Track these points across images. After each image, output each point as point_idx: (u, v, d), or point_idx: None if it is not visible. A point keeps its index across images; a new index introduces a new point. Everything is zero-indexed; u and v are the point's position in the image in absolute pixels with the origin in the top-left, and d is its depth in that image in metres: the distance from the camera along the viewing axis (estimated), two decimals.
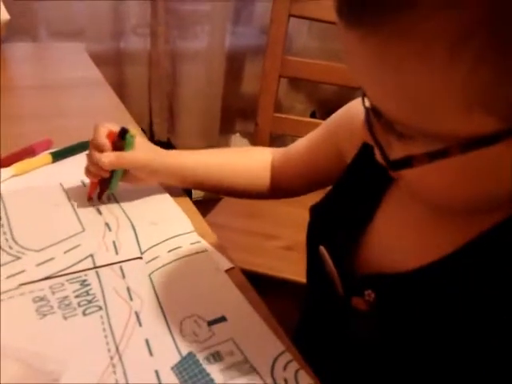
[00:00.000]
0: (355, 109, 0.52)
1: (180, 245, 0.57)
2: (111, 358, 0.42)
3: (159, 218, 0.61)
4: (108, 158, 0.57)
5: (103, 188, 0.62)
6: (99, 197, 0.63)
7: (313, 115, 1.74)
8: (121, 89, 1.48)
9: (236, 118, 1.78)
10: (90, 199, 0.62)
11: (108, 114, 0.93)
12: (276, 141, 1.47)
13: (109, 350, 0.43)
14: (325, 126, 0.61)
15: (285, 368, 0.42)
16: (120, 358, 0.42)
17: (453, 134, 0.31)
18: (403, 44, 0.29)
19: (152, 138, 1.64)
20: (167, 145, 1.64)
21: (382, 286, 0.44)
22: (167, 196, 0.66)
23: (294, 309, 0.68)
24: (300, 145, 0.65)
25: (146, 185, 0.65)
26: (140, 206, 0.63)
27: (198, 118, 1.67)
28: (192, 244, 0.57)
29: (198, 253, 0.56)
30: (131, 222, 0.59)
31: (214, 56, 1.60)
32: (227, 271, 0.54)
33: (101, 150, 0.58)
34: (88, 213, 0.60)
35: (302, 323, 0.62)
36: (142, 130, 0.98)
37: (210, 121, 1.70)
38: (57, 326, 0.45)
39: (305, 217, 0.55)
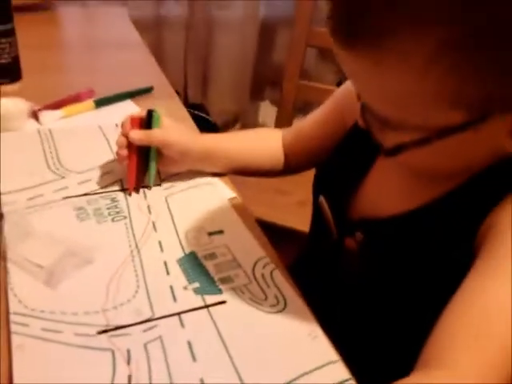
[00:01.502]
0: None
1: (192, 177, 0.68)
2: (131, 251, 0.55)
3: None
4: (137, 134, 0.61)
5: (140, 180, 0.64)
6: (137, 189, 0.64)
7: (339, 85, 1.80)
8: (158, 53, 1.60)
9: (266, 85, 1.87)
10: (131, 192, 0.63)
11: (144, 73, 1.05)
12: (301, 110, 1.55)
13: (130, 246, 0.56)
14: (332, 98, 0.68)
15: (264, 267, 0.54)
16: (138, 252, 0.55)
17: (432, 125, 0.41)
18: (385, 60, 0.38)
19: (186, 100, 1.76)
20: (201, 108, 1.76)
21: (368, 227, 0.54)
22: None
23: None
24: (310, 119, 0.70)
25: (181, 169, 0.67)
26: None
27: (230, 84, 1.78)
28: (203, 178, 0.69)
29: (206, 184, 0.67)
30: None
31: (248, 25, 1.69)
32: (230, 200, 0.65)
33: (122, 131, 0.62)
34: None
35: (297, 262, 0.72)
36: (177, 92, 1.08)
37: (241, 87, 1.80)
38: (92, 228, 0.58)
39: None
